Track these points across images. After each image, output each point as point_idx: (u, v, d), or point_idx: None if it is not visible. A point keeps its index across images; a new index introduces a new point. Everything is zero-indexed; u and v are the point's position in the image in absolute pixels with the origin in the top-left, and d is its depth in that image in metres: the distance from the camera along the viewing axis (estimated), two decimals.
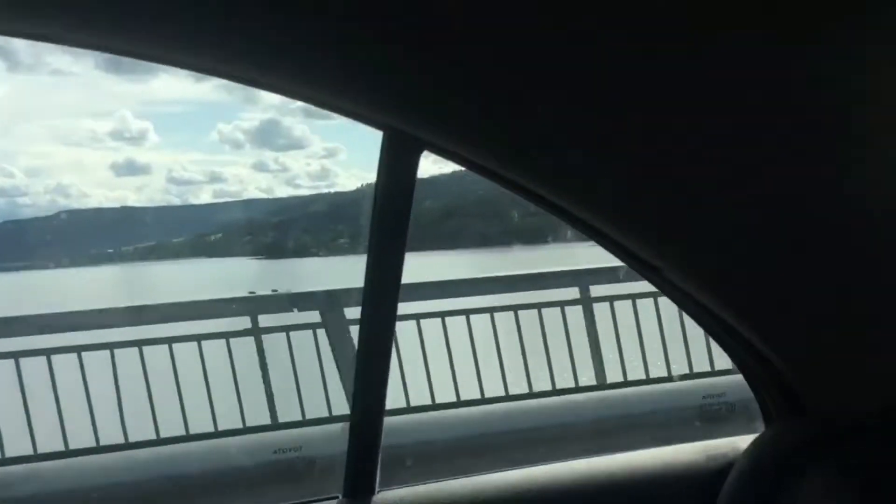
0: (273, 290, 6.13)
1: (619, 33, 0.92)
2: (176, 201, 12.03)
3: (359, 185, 10.09)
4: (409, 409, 4.90)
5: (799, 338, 1.22)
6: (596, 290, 5.32)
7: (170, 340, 4.68)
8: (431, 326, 5.09)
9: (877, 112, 1.00)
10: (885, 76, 0.96)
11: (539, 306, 5.18)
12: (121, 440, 4.45)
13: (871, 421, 1.06)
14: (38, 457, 4.27)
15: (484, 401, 5.03)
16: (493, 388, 5.10)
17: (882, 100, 0.99)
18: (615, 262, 1.27)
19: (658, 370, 5.24)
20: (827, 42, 0.92)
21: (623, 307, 5.28)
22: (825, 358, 1.21)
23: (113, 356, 4.53)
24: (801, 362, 1.22)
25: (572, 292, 5.36)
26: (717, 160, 1.07)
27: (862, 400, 1.09)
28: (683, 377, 5.15)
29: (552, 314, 5.27)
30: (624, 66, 0.96)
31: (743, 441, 1.25)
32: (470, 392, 5.01)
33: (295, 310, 5.03)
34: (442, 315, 5.07)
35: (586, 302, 5.31)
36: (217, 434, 4.59)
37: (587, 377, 5.27)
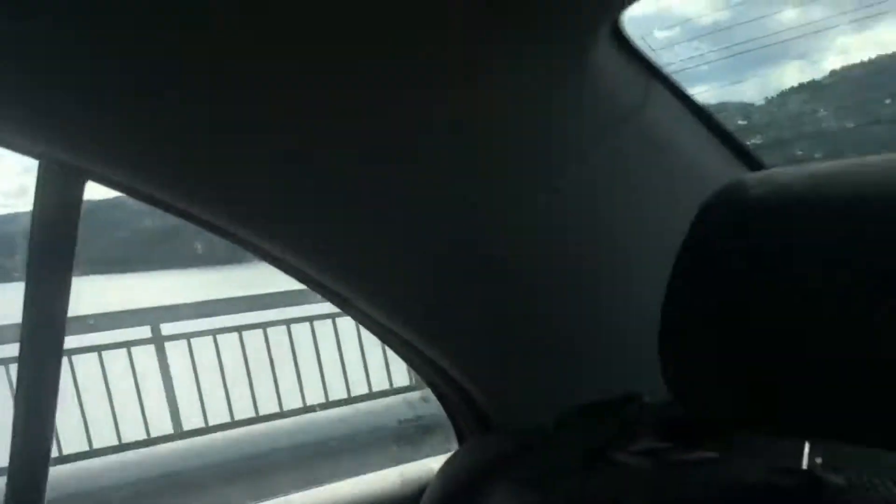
0: None
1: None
2: None
3: None
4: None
5: (483, 360, 1.28)
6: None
7: None
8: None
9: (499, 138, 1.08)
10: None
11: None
12: None
13: (548, 432, 1.14)
14: None
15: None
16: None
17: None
18: None
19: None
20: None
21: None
22: (508, 378, 1.29)
23: None
24: (486, 383, 1.29)
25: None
26: (397, 180, 1.09)
27: (542, 414, 1.16)
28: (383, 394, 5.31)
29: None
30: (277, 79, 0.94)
31: (436, 462, 1.27)
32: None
33: None
34: None
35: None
36: None
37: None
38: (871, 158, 0.74)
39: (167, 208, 1.09)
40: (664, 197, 1.17)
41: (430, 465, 1.29)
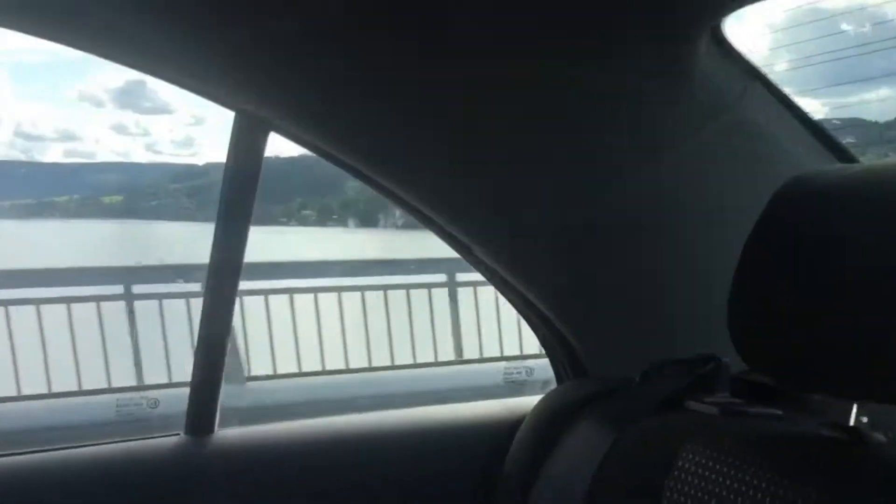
0: None
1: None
2: (22, 157, 11.26)
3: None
4: None
5: (586, 315, 1.45)
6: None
7: None
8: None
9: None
10: None
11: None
12: None
13: (634, 381, 1.28)
14: None
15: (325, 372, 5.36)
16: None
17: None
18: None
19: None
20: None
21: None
22: (604, 332, 1.46)
23: None
24: (586, 335, 1.46)
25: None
26: (521, 148, 1.23)
27: (632, 367, 1.30)
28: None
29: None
30: (446, 54, 1.08)
31: (535, 399, 1.45)
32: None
33: None
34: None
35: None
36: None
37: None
38: None
39: (337, 162, 1.24)
40: (757, 180, 1.27)
41: (530, 401, 1.46)
